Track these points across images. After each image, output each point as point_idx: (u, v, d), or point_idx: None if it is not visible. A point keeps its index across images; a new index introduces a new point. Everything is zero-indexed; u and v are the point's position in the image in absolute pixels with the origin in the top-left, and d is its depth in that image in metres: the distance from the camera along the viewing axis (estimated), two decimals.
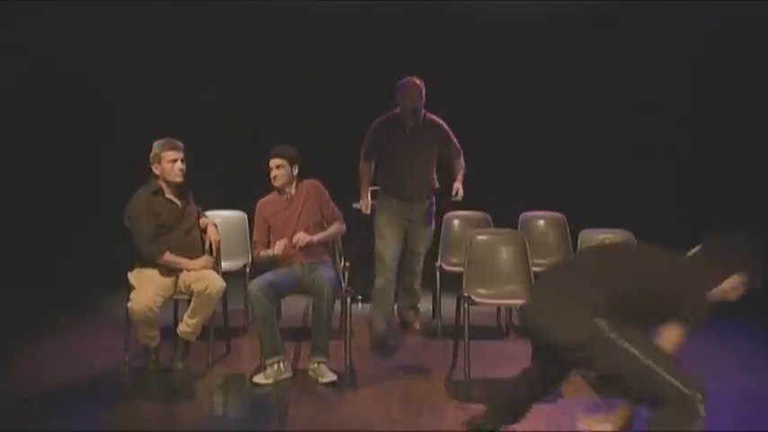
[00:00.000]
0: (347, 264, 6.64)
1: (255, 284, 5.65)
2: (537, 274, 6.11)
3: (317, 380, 5.56)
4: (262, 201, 6.15)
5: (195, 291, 5.75)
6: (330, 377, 5.55)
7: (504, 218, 7.22)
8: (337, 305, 5.91)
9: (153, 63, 9.06)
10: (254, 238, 6.13)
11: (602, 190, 8.96)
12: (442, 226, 7.40)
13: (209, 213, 7.25)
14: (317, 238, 5.94)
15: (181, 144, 6.00)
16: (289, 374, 5.62)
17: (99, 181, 8.96)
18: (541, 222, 7.39)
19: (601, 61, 9.16)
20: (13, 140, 8.53)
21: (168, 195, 5.91)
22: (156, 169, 5.92)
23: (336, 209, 6.16)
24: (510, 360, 6.17)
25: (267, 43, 9.19)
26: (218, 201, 7.60)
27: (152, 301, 5.60)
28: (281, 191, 6.06)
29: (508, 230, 6.58)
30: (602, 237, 6.25)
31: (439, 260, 7.17)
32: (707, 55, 8.87)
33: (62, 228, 8.69)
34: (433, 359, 6.15)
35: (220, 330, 6.15)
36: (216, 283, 5.79)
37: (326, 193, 6.13)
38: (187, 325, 5.83)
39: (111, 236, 8.69)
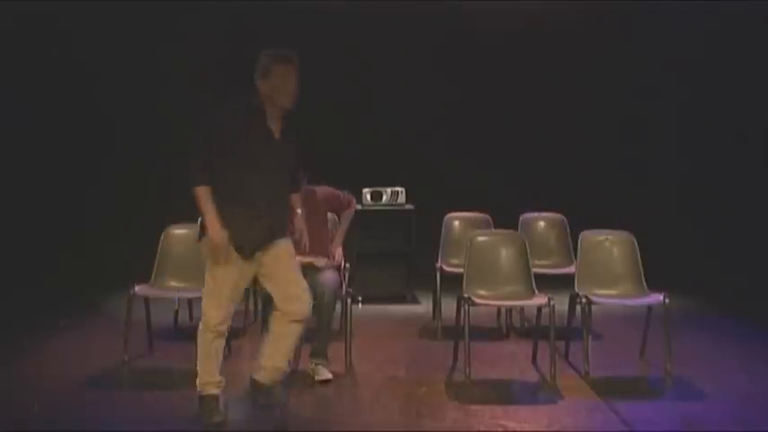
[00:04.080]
0: (347, 264, 6.62)
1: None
2: (537, 275, 6.13)
3: (314, 378, 5.56)
4: None
5: (279, 309, 4.88)
6: (325, 375, 5.56)
7: (505, 219, 7.21)
8: (338, 306, 5.91)
9: (152, 63, 9.05)
10: None
11: (603, 191, 8.96)
12: (443, 227, 7.40)
13: None
14: (340, 242, 6.09)
15: (297, 58, 4.79)
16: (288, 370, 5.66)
17: (99, 182, 8.97)
18: (542, 223, 7.39)
19: (601, 62, 9.15)
20: (14, 142, 8.53)
21: (269, 122, 4.71)
22: (262, 85, 4.70)
23: (345, 194, 6.16)
24: (510, 361, 6.18)
25: (268, 43, 9.16)
26: None
27: (226, 311, 4.80)
28: None
29: (508, 231, 6.58)
30: (602, 238, 6.23)
31: (439, 261, 7.16)
32: (708, 55, 8.87)
33: (62, 229, 8.69)
34: (434, 360, 6.15)
35: None
36: (304, 306, 4.87)
37: (332, 191, 6.11)
38: (265, 370, 4.97)
39: (111, 236, 8.76)
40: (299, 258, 5.19)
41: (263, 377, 4.94)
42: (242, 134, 4.62)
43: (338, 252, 6.08)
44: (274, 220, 4.75)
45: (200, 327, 4.77)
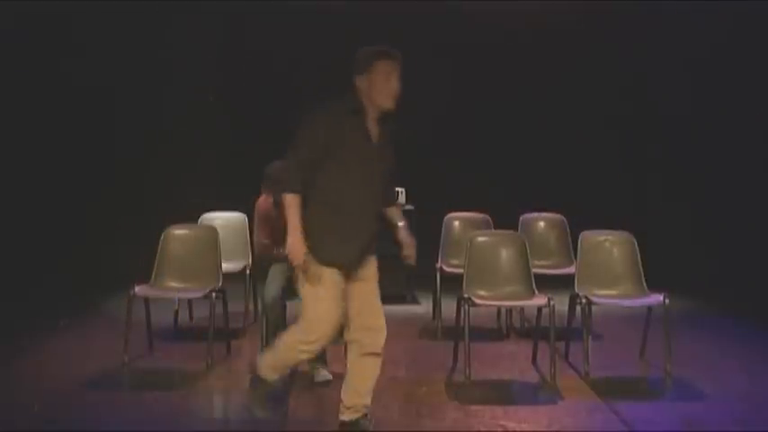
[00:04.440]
0: None
1: (271, 293, 5.62)
2: (537, 276, 6.13)
3: (314, 379, 5.56)
4: (261, 201, 5.99)
5: (352, 337, 4.46)
6: (325, 377, 5.54)
7: (505, 219, 7.22)
8: None
9: (152, 64, 9.05)
10: (265, 240, 5.83)
11: (603, 191, 8.96)
12: (443, 227, 7.39)
13: (209, 215, 7.28)
14: None
15: (400, 55, 4.45)
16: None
17: (99, 183, 8.96)
18: (542, 224, 7.39)
19: (601, 62, 9.15)
20: (14, 143, 8.52)
21: (367, 123, 4.34)
22: (361, 82, 4.31)
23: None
24: (510, 361, 6.18)
25: (268, 43, 9.19)
26: (217, 202, 7.60)
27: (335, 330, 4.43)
28: None
29: (508, 232, 6.58)
30: (602, 238, 6.24)
31: (439, 261, 7.16)
32: (708, 55, 8.87)
33: (62, 229, 8.68)
34: (434, 360, 6.15)
35: (220, 331, 6.14)
36: (381, 338, 4.44)
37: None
38: (351, 409, 4.49)
39: (111, 237, 8.76)
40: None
41: (350, 415, 4.46)
42: (340, 136, 4.21)
43: None
44: (369, 233, 4.38)
45: (298, 338, 4.35)
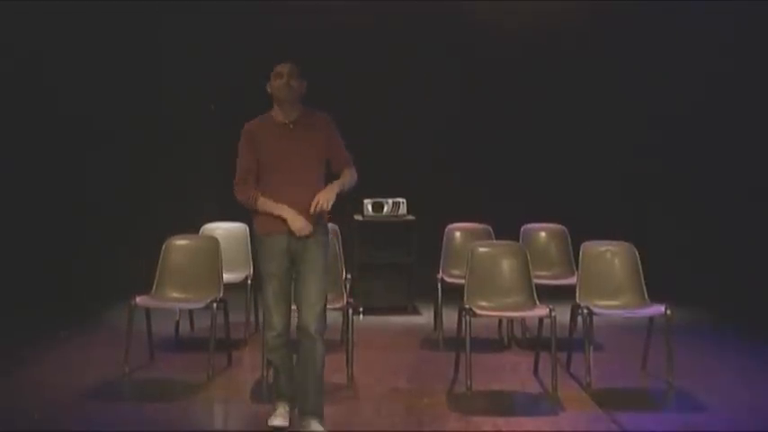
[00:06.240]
0: (349, 275, 6.61)
1: (273, 330, 4.70)
2: (538, 286, 6.13)
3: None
4: (249, 125, 4.87)
5: None
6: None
7: (506, 230, 7.21)
8: (338, 316, 5.92)
9: (152, 72, 9.04)
10: (243, 167, 4.75)
11: (604, 202, 8.95)
12: (444, 238, 7.40)
13: (210, 225, 7.27)
14: (335, 191, 4.72)
15: None
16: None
17: (99, 193, 8.96)
18: (543, 234, 7.39)
19: (603, 72, 9.15)
20: (13, 152, 8.52)
21: None
22: None
23: (347, 154, 4.93)
24: (512, 372, 6.17)
25: (269, 49, 9.18)
26: (219, 212, 7.59)
27: None
28: (282, 105, 4.80)
29: (509, 242, 6.58)
30: (603, 249, 6.24)
31: (440, 272, 7.16)
32: (709, 66, 8.86)
33: (63, 239, 8.68)
34: (435, 371, 6.14)
35: (222, 342, 6.14)
36: None
37: (337, 131, 4.93)
38: None
39: (112, 247, 8.76)
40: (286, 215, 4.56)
41: None
42: None
43: (327, 198, 4.69)
44: None
45: None
